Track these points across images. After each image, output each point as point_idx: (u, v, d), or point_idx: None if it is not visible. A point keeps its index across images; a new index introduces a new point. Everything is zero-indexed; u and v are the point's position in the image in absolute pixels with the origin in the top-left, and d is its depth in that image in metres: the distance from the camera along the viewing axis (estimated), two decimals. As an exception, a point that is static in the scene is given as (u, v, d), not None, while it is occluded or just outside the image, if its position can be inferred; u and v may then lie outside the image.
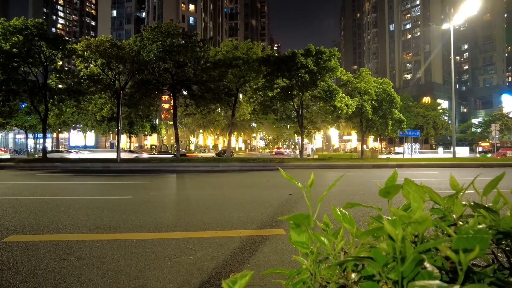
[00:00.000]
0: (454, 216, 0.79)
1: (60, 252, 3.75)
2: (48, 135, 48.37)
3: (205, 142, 73.39)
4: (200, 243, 4.15)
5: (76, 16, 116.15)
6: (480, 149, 50.10)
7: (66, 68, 33.28)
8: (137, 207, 6.68)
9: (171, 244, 4.12)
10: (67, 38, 72.84)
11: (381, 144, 60.94)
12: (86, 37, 27.37)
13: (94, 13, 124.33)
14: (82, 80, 26.26)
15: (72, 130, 58.09)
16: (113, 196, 8.37)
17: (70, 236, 4.51)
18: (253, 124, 54.74)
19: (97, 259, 3.52)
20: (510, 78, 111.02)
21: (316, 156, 43.53)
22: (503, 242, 0.72)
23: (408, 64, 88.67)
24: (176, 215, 5.94)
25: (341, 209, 0.81)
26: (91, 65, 27.07)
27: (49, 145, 60.81)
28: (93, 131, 51.38)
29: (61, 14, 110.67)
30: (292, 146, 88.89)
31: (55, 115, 30.34)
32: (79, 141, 63.23)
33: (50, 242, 4.17)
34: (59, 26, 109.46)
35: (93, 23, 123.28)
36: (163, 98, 49.16)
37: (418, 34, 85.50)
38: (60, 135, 60.22)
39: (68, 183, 11.47)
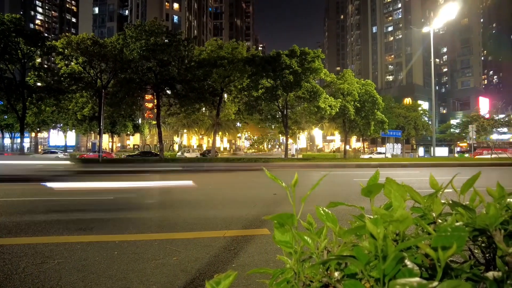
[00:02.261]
0: (434, 215, 0.81)
1: (39, 255, 3.64)
2: (26, 134, 46.83)
3: (189, 142, 72.73)
4: (184, 244, 4.12)
5: (56, 12, 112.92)
6: (458, 149, 51.73)
7: (45, 66, 32.28)
8: (119, 208, 6.56)
9: (155, 245, 4.06)
10: (46, 34, 70.68)
11: (363, 144, 61.95)
12: (67, 34, 26.69)
13: (74, 10, 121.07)
14: (62, 78, 25.55)
15: (51, 130, 56.44)
16: (94, 197, 8.19)
17: (49, 238, 4.39)
18: (238, 124, 54.65)
19: (77, 262, 3.44)
20: (486, 81, 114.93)
21: (300, 156, 43.86)
22: (479, 239, 0.74)
23: (390, 66, 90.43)
24: (160, 216, 5.87)
25: (324, 208, 0.82)
26: (72, 63, 26.41)
27: (27, 145, 58.89)
28: (73, 130, 50.08)
29: (39, 10, 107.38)
30: (277, 146, 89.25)
31: (34, 114, 29.43)
32: (59, 141, 61.46)
33: (27, 245, 4.04)
34: (37, 22, 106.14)
35: (73, 20, 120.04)
36: (146, 97, 48.49)
37: (400, 36, 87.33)
38: (39, 135, 58.41)
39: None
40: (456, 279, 0.60)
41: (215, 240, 4.28)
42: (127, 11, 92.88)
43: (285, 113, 29.05)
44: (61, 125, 48.65)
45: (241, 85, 29.07)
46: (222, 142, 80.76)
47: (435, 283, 0.45)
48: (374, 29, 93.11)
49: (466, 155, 43.72)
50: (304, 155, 45.33)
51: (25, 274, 3.11)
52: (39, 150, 54.94)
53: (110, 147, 51.85)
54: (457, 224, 0.61)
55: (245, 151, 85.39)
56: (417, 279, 0.47)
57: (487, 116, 56.44)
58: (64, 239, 4.35)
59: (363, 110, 32.20)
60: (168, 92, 27.92)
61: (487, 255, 0.73)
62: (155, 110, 28.24)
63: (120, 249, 3.88)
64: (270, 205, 6.92)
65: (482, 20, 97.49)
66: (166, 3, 77.39)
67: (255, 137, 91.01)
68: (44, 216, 5.73)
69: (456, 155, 48.56)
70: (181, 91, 26.63)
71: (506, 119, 51.30)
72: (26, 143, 59.11)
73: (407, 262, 0.57)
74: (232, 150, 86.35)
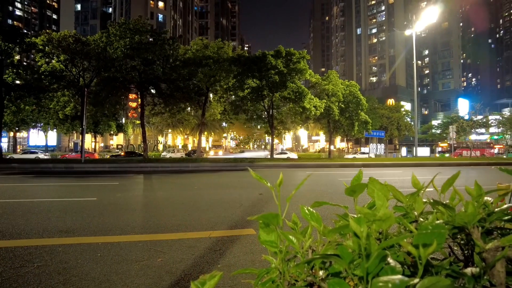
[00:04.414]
0: (416, 213, 0.83)
1: (17, 259, 3.53)
2: (3, 134, 45.31)
3: (174, 142, 71.97)
4: (169, 245, 4.08)
5: (36, 8, 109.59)
6: (439, 149, 53.09)
7: (24, 63, 31.31)
8: (102, 209, 6.43)
9: (139, 247, 4.00)
10: (25, 31, 68.51)
11: (347, 145, 62.69)
12: (47, 31, 25.91)
13: (55, 6, 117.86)
14: (43, 77, 24.80)
15: (31, 129, 54.77)
16: (76, 198, 8.01)
17: (28, 241, 4.26)
18: (224, 124, 54.43)
19: (59, 265, 3.35)
20: (465, 83, 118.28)
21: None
22: (458, 236, 0.77)
23: (374, 67, 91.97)
24: (144, 217, 5.79)
25: (309, 208, 0.83)
26: (53, 61, 25.68)
27: (5, 145, 57.03)
28: (55, 130, 48.77)
29: (18, 5, 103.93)
30: (263, 147, 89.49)
31: (12, 113, 28.48)
32: (40, 141, 59.71)
33: (5, 249, 3.91)
34: (16, 18, 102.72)
35: (54, 16, 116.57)
36: (130, 97, 47.68)
37: (384, 38, 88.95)
38: (18, 134, 56.58)
39: (26, 185, 10.82)
40: (437, 275, 0.62)
41: (201, 241, 4.25)
42: (110, 9, 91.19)
43: (271, 113, 29.12)
44: (42, 124, 47.31)
45: (226, 85, 28.96)
46: (207, 142, 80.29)
47: (416, 280, 0.46)
48: (359, 30, 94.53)
49: (447, 155, 44.90)
50: (289, 155, 45.55)
51: (2, 279, 3.01)
52: (18, 150, 53.21)
53: (93, 147, 50.78)
54: (438, 222, 0.63)
55: (231, 151, 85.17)
56: (399, 276, 0.47)
57: (466, 117, 58.08)
58: (45, 241, 4.24)
59: (348, 110, 32.62)
60: (153, 91, 27.53)
61: (466, 252, 0.75)
62: (139, 110, 27.82)
63: (103, 251, 3.80)
64: (255, 205, 6.93)
65: (461, 24, 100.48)
66: (151, 2, 76.40)
67: (241, 137, 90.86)
68: (23, 219, 5.56)
69: (437, 155, 49.81)
70: (166, 90, 26.31)
71: (484, 120, 52.91)
72: (4, 143, 57.23)
73: (390, 260, 0.58)
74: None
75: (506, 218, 0.78)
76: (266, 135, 41.97)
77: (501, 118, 53.58)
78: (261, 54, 26.92)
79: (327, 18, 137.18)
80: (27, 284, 2.90)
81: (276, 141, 43.64)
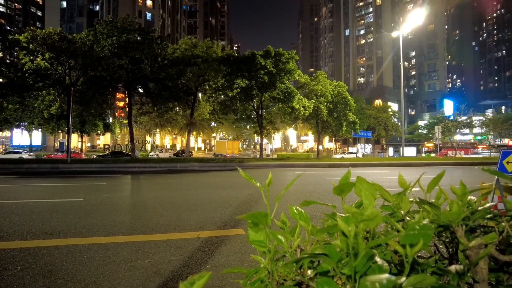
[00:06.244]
0: (402, 212, 0.84)
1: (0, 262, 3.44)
2: (-14, 133, 44.04)
3: (162, 142, 71.31)
4: (157, 246, 4.04)
5: (19, 4, 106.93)
6: (425, 149, 54.11)
7: (7, 61, 30.53)
8: (89, 210, 6.33)
9: (126, 248, 3.95)
10: (8, 28, 66.80)
11: (336, 145, 63.20)
12: (32, 28, 25.32)
13: (40, 3, 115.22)
14: (27, 75, 24.23)
15: (15, 129, 53.39)
16: (62, 199, 7.85)
17: (11, 243, 4.16)
18: (213, 123, 54.23)
19: (43, 267, 3.28)
20: (450, 84, 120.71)
21: (275, 156, 44.21)
22: (443, 235, 0.78)
23: (361, 68, 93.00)
24: (131, 218, 5.72)
25: (297, 207, 0.83)
26: (38, 59, 25.11)
27: (-13, 145, 55.46)
28: (40, 129, 47.63)
29: (0, 1, 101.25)
30: (252, 146, 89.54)
31: (-6, 112, 27.76)
32: (24, 141, 58.25)
33: (-12, 251, 3.81)
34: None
35: (39, 13, 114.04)
36: (118, 96, 47.03)
37: (371, 39, 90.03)
38: (1, 134, 55.13)
39: (10, 186, 10.55)
40: (423, 273, 0.63)
41: (189, 241, 4.22)
42: (97, 7, 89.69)
43: (260, 113, 29.14)
44: (26, 124, 46.16)
45: (216, 85, 28.86)
46: (196, 142, 79.86)
47: (403, 278, 0.47)
48: (347, 32, 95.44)
49: (433, 155, 45.77)
50: (278, 155, 45.72)
51: (-15, 282, 2.93)
52: (1, 150, 51.81)
53: (80, 147, 49.88)
54: (424, 222, 0.64)
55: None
56: (386, 275, 0.47)
57: (451, 117, 59.29)
58: (29, 243, 4.14)
59: (336, 111, 32.91)
60: (141, 90, 27.22)
61: (451, 249, 0.77)
62: (127, 109, 27.47)
63: (90, 253, 3.74)
64: (245, 205, 6.92)
65: (446, 27, 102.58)
66: (139, 0, 75.50)
67: (230, 137, 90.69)
68: (6, 220, 5.42)
69: (423, 155, 50.74)
70: (154, 89, 26.04)
71: (468, 121, 54.14)
72: (-14, 142, 55.66)
73: (377, 259, 0.59)
74: (207, 150, 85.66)
75: (488, 216, 0.80)
76: (255, 135, 42.00)
77: (484, 119, 54.98)
78: (250, 54, 26.91)
79: (316, 19, 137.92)
80: None
81: (265, 141, 43.72)
